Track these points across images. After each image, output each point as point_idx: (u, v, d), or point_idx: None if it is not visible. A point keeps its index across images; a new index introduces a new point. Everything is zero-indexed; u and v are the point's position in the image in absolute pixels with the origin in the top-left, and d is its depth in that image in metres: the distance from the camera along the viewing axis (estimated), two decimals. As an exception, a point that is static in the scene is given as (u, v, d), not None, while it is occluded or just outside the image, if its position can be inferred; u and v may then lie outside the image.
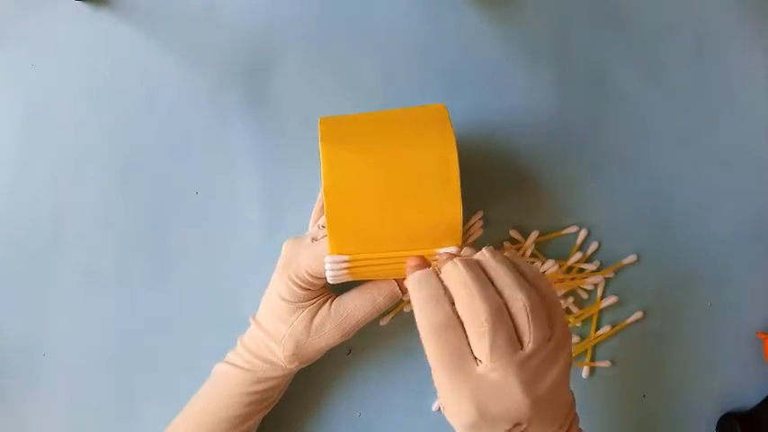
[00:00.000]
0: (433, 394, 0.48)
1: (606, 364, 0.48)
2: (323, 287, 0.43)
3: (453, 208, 0.37)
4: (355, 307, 0.43)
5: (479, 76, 0.49)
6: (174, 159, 0.49)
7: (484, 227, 0.48)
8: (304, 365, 0.44)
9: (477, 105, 0.49)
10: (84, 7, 0.48)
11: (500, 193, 0.49)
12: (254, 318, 0.44)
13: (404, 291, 0.43)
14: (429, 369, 0.48)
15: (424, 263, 0.36)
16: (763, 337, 0.48)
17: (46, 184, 0.49)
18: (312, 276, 0.41)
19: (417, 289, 0.34)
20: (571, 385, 0.48)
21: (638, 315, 0.48)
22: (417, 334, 0.49)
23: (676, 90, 0.49)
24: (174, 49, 0.49)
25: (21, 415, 0.48)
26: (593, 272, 0.48)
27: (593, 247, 0.49)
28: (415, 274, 0.35)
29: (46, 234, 0.48)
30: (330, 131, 0.39)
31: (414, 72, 0.49)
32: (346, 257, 0.39)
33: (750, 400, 0.49)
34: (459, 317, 0.33)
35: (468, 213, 0.48)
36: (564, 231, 0.49)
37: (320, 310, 0.43)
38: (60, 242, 0.48)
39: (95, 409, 0.48)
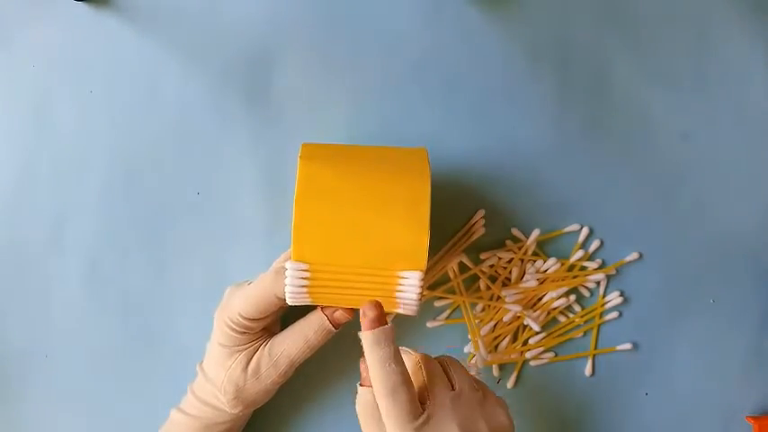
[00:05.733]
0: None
1: (628, 346, 0.48)
2: (261, 330, 0.43)
3: (420, 234, 0.38)
4: (288, 345, 0.42)
5: (480, 75, 0.49)
6: (175, 160, 0.49)
7: (485, 225, 0.48)
8: (251, 409, 0.43)
9: (477, 104, 0.49)
10: (85, 8, 0.48)
11: (501, 191, 0.49)
12: (199, 365, 0.44)
13: (336, 325, 0.42)
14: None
15: (381, 316, 0.37)
16: (752, 422, 0.48)
17: (47, 186, 0.48)
18: (246, 319, 0.40)
19: (372, 349, 0.36)
20: (574, 384, 0.48)
21: (639, 310, 0.48)
22: (416, 334, 0.49)
23: (678, 88, 0.49)
24: (175, 50, 0.49)
25: (23, 416, 0.48)
26: (594, 269, 0.48)
27: (594, 245, 0.49)
28: (369, 332, 0.36)
29: (47, 235, 0.48)
30: (310, 152, 0.40)
31: (414, 72, 0.49)
32: (306, 266, 0.38)
33: (757, 394, 0.49)
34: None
35: (469, 212, 0.48)
36: (565, 230, 0.49)
37: (256, 353, 0.42)
38: (61, 243, 0.48)
39: (97, 410, 0.48)
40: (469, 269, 0.48)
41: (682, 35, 0.49)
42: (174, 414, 0.43)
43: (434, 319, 0.48)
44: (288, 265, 0.38)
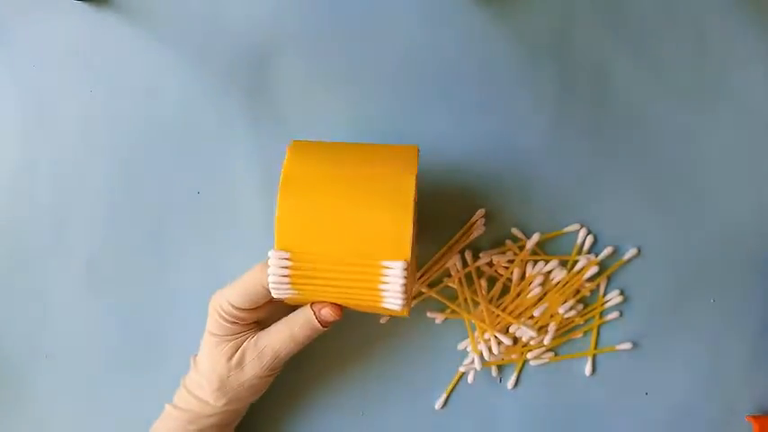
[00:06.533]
0: (435, 392, 0.48)
1: (628, 346, 0.48)
2: (253, 323, 0.42)
3: (403, 223, 0.37)
4: (272, 338, 0.41)
5: (480, 74, 0.49)
6: (175, 159, 0.49)
7: (486, 224, 0.48)
8: (236, 405, 0.43)
9: (477, 103, 0.49)
10: (86, 7, 0.48)
11: (501, 190, 0.49)
12: (193, 356, 0.44)
13: (323, 323, 0.41)
14: (433, 368, 0.48)
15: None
16: (752, 421, 0.48)
17: (48, 186, 0.49)
18: (235, 308, 0.40)
19: None
20: (574, 383, 0.48)
21: (639, 309, 0.49)
22: (418, 332, 0.49)
23: (678, 86, 0.49)
24: (176, 50, 0.49)
25: (24, 417, 0.48)
26: (595, 276, 0.48)
27: (595, 244, 0.49)
28: None
29: (48, 235, 0.48)
30: (299, 146, 0.41)
31: (415, 72, 0.49)
32: (288, 254, 0.37)
33: (757, 394, 0.49)
34: None
35: (469, 211, 0.48)
36: (566, 230, 0.48)
37: (243, 344, 0.42)
38: (62, 243, 0.48)
39: (98, 410, 0.48)
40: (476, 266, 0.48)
41: (682, 33, 0.49)
42: (167, 408, 0.43)
43: (436, 311, 0.48)
44: (270, 253, 0.38)
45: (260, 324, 0.43)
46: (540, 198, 0.49)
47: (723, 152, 0.49)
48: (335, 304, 0.41)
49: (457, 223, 0.48)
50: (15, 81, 0.49)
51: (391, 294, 0.38)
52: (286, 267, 0.38)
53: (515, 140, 0.49)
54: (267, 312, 0.43)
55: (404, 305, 0.38)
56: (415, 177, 0.38)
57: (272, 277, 0.38)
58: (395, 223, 0.37)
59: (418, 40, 0.49)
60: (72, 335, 0.48)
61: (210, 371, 0.41)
